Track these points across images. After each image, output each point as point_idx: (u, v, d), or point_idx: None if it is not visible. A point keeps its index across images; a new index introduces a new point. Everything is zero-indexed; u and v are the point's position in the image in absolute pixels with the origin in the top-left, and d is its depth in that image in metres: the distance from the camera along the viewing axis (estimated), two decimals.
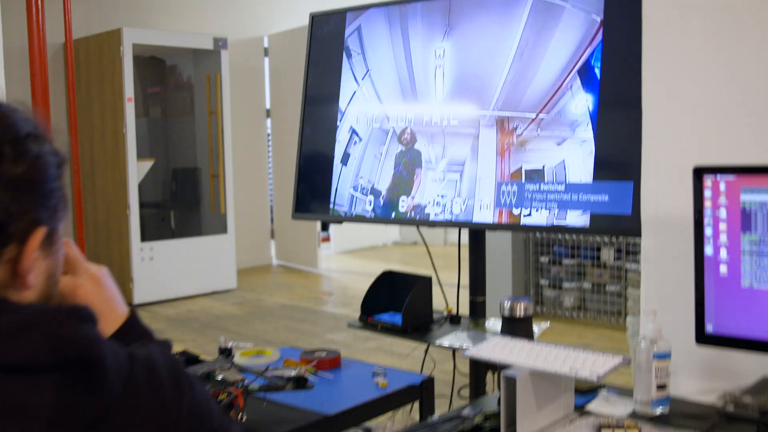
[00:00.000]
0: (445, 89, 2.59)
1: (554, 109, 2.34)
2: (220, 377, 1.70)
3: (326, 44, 2.89)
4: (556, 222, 2.31)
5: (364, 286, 2.77)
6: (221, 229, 7.54)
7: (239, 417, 1.59)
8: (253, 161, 8.88)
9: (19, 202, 0.86)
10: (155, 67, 8.20)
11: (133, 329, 1.10)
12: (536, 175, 2.36)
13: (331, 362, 2.10)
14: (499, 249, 6.02)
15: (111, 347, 0.87)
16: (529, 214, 2.36)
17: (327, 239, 9.91)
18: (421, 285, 2.58)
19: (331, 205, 2.81)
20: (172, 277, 7.10)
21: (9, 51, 6.01)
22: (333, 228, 9.71)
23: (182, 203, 7.96)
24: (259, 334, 5.80)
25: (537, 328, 2.49)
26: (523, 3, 2.42)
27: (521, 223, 2.38)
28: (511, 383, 1.62)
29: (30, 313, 0.84)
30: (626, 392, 1.85)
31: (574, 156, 2.29)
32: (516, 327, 1.97)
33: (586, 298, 5.77)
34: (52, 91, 6.90)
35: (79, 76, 7.27)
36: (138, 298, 6.84)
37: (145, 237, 7.10)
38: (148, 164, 7.48)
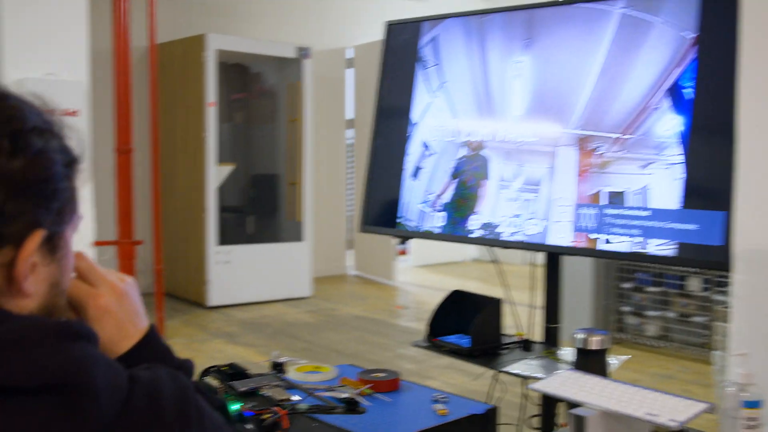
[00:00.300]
0: (523, 104, 2.47)
1: (640, 130, 2.20)
2: (266, 394, 1.63)
3: (401, 54, 2.81)
4: (637, 249, 2.16)
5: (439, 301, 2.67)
6: (297, 236, 7.53)
7: None
8: (331, 170, 8.87)
9: (15, 201, 0.78)
10: (240, 73, 8.27)
11: (150, 346, 1.01)
12: (617, 199, 2.22)
13: (389, 384, 2.01)
14: (580, 273, 5.84)
15: (106, 368, 0.79)
16: (608, 241, 2.23)
17: (404, 252, 9.83)
18: (491, 307, 2.46)
19: (400, 220, 2.71)
20: (248, 281, 7.12)
21: (95, 53, 6.13)
22: (412, 241, 9.62)
23: (260, 209, 7.99)
24: (330, 344, 5.74)
25: (616, 359, 2.35)
26: (609, 17, 2.29)
27: (598, 248, 2.25)
28: (580, 423, 1.50)
29: (14, 328, 0.76)
30: None
31: (659, 180, 2.15)
32: (589, 361, 1.84)
33: (671, 327, 5.53)
34: (136, 93, 7.01)
35: (164, 79, 7.38)
36: (213, 300, 6.88)
37: (222, 241, 7.14)
38: (227, 169, 7.53)
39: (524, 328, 2.58)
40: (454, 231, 2.58)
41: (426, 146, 2.68)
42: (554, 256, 2.52)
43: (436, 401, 1.92)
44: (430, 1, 9.29)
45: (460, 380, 4.68)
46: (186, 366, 1.03)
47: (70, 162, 0.87)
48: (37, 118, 0.84)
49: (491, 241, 2.51)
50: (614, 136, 2.25)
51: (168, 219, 7.37)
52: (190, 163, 7.13)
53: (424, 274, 9.01)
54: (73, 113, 5.56)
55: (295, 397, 1.65)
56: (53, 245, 0.85)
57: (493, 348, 2.45)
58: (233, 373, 1.75)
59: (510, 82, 2.50)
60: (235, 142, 8.15)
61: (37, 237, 0.81)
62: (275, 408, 1.55)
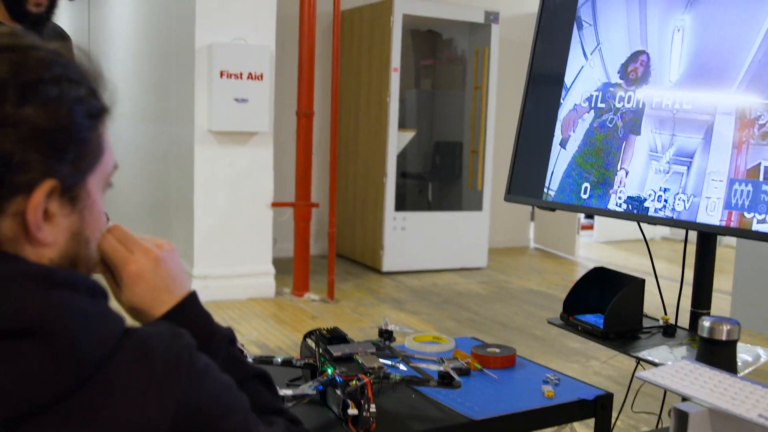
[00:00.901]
0: (681, 69, 2.26)
1: None
2: (360, 361, 1.58)
3: (558, 15, 2.65)
4: None
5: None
6: (477, 205, 7.45)
7: (367, 406, 1.45)
8: None
9: (24, 150, 0.78)
10: (431, 40, 8.24)
11: (184, 313, 1.00)
12: None
13: (503, 360, 1.91)
14: None
15: (90, 318, 0.78)
16: (764, 220, 2.00)
17: (590, 227, 9.51)
18: (632, 287, 2.29)
19: (546, 190, 2.58)
20: (423, 248, 7.13)
21: (281, 19, 6.29)
22: (598, 217, 9.27)
23: (441, 176, 7.96)
24: (496, 316, 5.65)
25: (765, 353, 2.13)
26: None
27: (753, 229, 2.02)
28: (683, 419, 1.35)
29: (3, 273, 0.77)
30: None
31: None
32: (714, 352, 1.66)
33: None
34: (321, 58, 7.16)
35: (351, 44, 7.48)
36: (387, 266, 6.95)
37: (400, 207, 7.19)
38: (409, 135, 7.55)
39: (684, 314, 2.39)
40: (600, 204, 2.42)
41: (577, 112, 2.53)
42: (708, 236, 2.30)
43: (547, 382, 1.81)
44: None
45: (627, 363, 4.45)
46: (220, 334, 1.02)
47: (96, 112, 0.86)
48: (63, 68, 0.83)
49: (637, 216, 2.33)
50: None
51: (348, 183, 7.51)
52: (372, 128, 7.20)
53: (607, 251, 8.67)
54: (258, 77, 5.76)
55: (391, 367, 1.60)
56: (73, 195, 0.85)
57: (632, 330, 2.28)
58: (332, 337, 1.72)
59: (669, 44, 2.29)
60: (420, 109, 8.15)
61: (46, 186, 0.81)
62: (361, 375, 1.50)
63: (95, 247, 0.94)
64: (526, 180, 2.68)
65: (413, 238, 7.09)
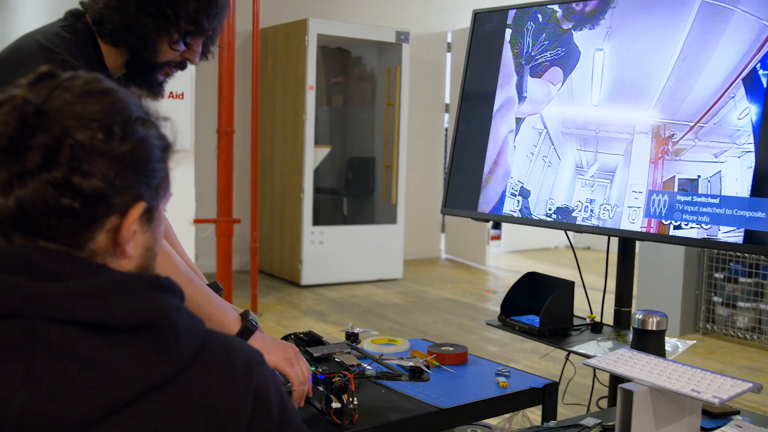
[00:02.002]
0: (602, 93, 2.52)
1: (714, 119, 2.23)
2: (338, 360, 1.75)
3: (486, 41, 2.88)
4: (707, 236, 2.20)
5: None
6: (391, 219, 7.68)
7: (350, 399, 1.62)
8: (427, 154, 8.97)
9: (123, 177, 0.93)
10: (341, 57, 8.45)
11: None
12: (690, 186, 2.25)
13: (457, 357, 2.11)
14: (671, 262, 5.80)
15: (187, 317, 0.94)
16: (679, 226, 2.26)
17: (498, 237, 9.87)
18: (563, 289, 2.53)
19: (480, 203, 2.80)
20: (340, 261, 7.31)
21: None
22: (505, 227, 9.65)
23: (356, 191, 8.16)
24: (417, 325, 5.87)
25: (683, 343, 2.39)
26: (690, 5, 2.31)
27: (670, 234, 2.28)
28: (628, 397, 1.57)
29: (115, 278, 0.92)
30: (763, 420, 1.74)
31: (732, 168, 2.17)
32: (646, 340, 1.90)
33: (763, 320, 5.44)
34: (239, 76, 7.27)
35: (266, 63, 7.61)
36: (306, 279, 7.09)
37: (317, 221, 7.35)
38: (324, 151, 7.72)
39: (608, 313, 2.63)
40: (530, 215, 2.66)
41: (509, 131, 2.76)
42: (628, 241, 2.56)
43: (499, 374, 2.01)
44: None
45: (543, 365, 4.73)
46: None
47: (166, 147, 1.02)
48: (139, 109, 0.98)
49: (565, 224, 2.57)
50: (689, 123, 2.28)
51: (266, 199, 7.62)
52: (288, 145, 7.34)
53: (515, 260, 9.03)
54: (179, 96, 5.83)
55: (365, 365, 1.77)
56: (150, 216, 1.01)
57: (564, 329, 2.51)
58: (309, 340, 1.88)
59: (590, 70, 2.55)
60: (333, 125, 8.34)
61: (139, 208, 0.96)
62: (344, 372, 1.66)
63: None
64: (460, 194, 2.89)
65: (331, 252, 7.27)
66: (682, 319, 5.75)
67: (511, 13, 2.81)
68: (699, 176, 2.25)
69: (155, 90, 1.82)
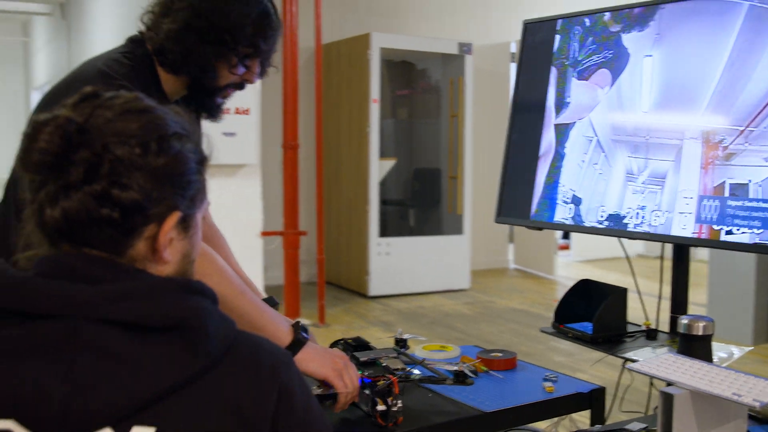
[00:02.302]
0: (652, 99, 2.52)
1: (765, 122, 2.21)
2: (384, 364, 1.80)
3: (537, 51, 2.90)
4: (759, 241, 2.18)
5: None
6: (457, 229, 7.70)
7: (394, 402, 1.67)
8: (493, 165, 8.94)
9: (159, 189, 1.00)
10: (406, 70, 8.52)
11: None
12: (740, 191, 2.24)
13: (506, 363, 2.14)
14: (743, 269, 5.69)
15: (218, 319, 1.01)
16: (731, 232, 2.25)
17: (566, 247, 9.79)
18: (616, 296, 2.53)
19: (533, 211, 2.82)
20: (407, 272, 7.36)
21: None
22: (574, 236, 9.56)
23: (422, 202, 8.21)
24: (483, 335, 5.87)
25: (738, 350, 2.37)
26: (738, 9, 2.30)
27: (721, 239, 2.27)
28: (668, 400, 1.58)
29: (149, 282, 0.99)
30: None
31: None
32: (693, 346, 1.90)
33: None
34: (303, 91, 7.41)
35: (330, 77, 7.74)
36: (373, 290, 7.16)
37: (383, 233, 7.42)
38: (389, 163, 7.80)
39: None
40: (581, 222, 2.66)
41: (560, 140, 2.78)
42: (681, 247, 2.55)
43: (546, 380, 2.03)
44: None
45: (610, 374, 4.69)
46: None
47: (201, 160, 1.09)
48: (177, 125, 1.06)
49: (616, 231, 2.57)
50: (739, 128, 2.27)
51: (332, 211, 7.73)
52: (354, 157, 7.44)
53: (585, 269, 8.94)
54: (245, 111, 5.98)
55: (410, 369, 1.81)
56: (187, 225, 1.08)
57: (617, 335, 2.51)
58: (357, 345, 1.93)
59: (639, 76, 2.55)
60: (399, 137, 8.42)
61: (174, 217, 1.04)
62: (389, 375, 1.71)
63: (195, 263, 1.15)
64: (513, 202, 2.92)
65: (398, 263, 7.32)
66: (756, 327, 5.63)
67: (560, 21, 2.83)
68: (750, 181, 2.24)
69: (214, 113, 1.90)
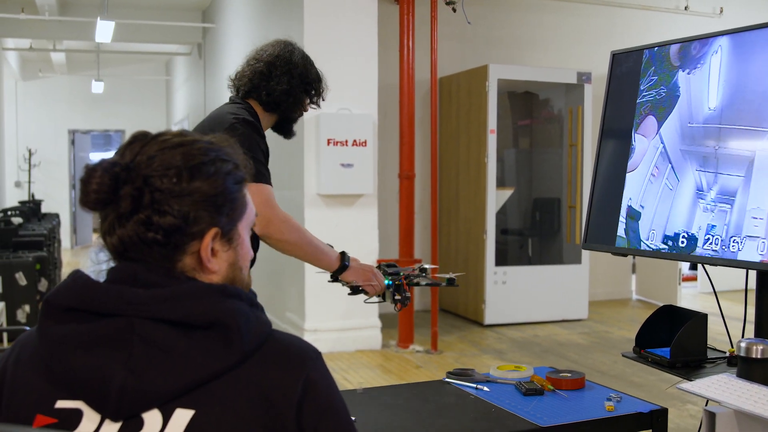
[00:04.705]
0: (719, 99, 2.52)
1: None
2: (401, 274, 2.68)
3: (623, 81, 2.96)
4: None
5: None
6: (576, 259, 7.67)
7: (403, 294, 2.63)
8: None
9: (197, 210, 1.17)
10: (527, 100, 8.59)
11: None
12: None
13: (574, 383, 2.20)
14: None
15: (252, 319, 1.16)
16: None
17: (694, 278, 9.54)
18: (696, 321, 2.54)
19: (620, 237, 2.86)
20: (524, 301, 7.37)
21: (383, 87, 6.76)
22: (701, 267, 9.29)
23: (541, 232, 8.22)
24: (595, 365, 5.84)
25: None
26: None
27: None
28: (711, 419, 1.62)
29: (191, 287, 1.16)
30: None
31: None
32: (751, 368, 1.92)
33: None
34: (422, 122, 7.60)
35: (450, 109, 7.90)
36: (489, 319, 7.22)
37: (501, 261, 7.47)
38: (507, 193, 7.86)
39: None
40: (662, 247, 2.69)
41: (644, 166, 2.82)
42: (764, 273, 2.54)
43: (609, 399, 2.09)
44: (725, 18, 9.03)
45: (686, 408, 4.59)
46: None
47: (240, 180, 1.25)
48: (216, 152, 1.22)
49: (706, 258, 2.58)
50: None
51: (450, 241, 7.85)
52: (471, 187, 7.54)
53: (710, 301, 8.67)
54: (363, 143, 6.22)
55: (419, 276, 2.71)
56: (229, 237, 1.23)
57: (698, 361, 2.52)
58: (388, 265, 2.75)
59: (707, 75, 2.56)
60: (520, 167, 8.47)
61: (211, 233, 1.19)
62: (401, 278, 2.62)
63: (246, 272, 1.29)
64: (600, 229, 2.97)
65: (514, 292, 7.35)
66: None
67: (647, 53, 2.88)
68: None
69: (291, 135, 2.90)
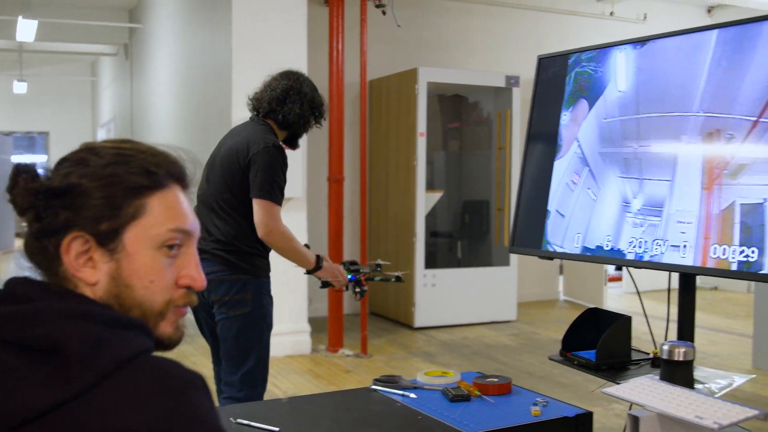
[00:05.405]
0: (632, 87, 2.54)
1: None
2: (361, 270, 3.42)
3: (550, 84, 2.98)
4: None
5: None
6: (504, 261, 7.73)
7: (361, 288, 3.38)
8: None
9: (48, 208, 1.07)
10: (457, 103, 8.63)
11: None
12: (755, 213, 2.18)
13: (500, 388, 2.19)
14: None
15: (102, 344, 0.99)
16: (746, 258, 2.22)
17: (619, 278, 9.71)
18: (620, 324, 2.56)
19: (545, 241, 2.87)
20: (453, 304, 7.40)
21: None
22: (626, 269, 9.46)
23: (470, 234, 8.26)
24: (524, 366, 5.89)
25: (739, 378, 2.38)
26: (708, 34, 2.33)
27: (731, 269, 2.25)
28: (634, 422, 1.63)
29: (40, 306, 1.02)
30: None
31: None
32: (673, 371, 1.94)
33: None
34: (352, 125, 7.57)
35: (380, 112, 7.88)
36: (418, 322, 7.22)
37: (430, 264, 7.48)
38: (436, 195, 7.88)
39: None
40: (587, 251, 2.71)
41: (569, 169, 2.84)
42: (688, 276, 2.56)
43: (536, 404, 2.09)
44: (649, 24, 9.22)
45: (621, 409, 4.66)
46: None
47: (134, 186, 1.10)
48: (103, 159, 1.10)
49: (624, 261, 2.60)
50: (751, 119, 2.19)
51: (379, 243, 7.83)
52: (401, 190, 7.54)
53: (635, 301, 8.84)
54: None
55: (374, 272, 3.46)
56: (111, 248, 1.09)
57: (622, 363, 2.54)
58: (351, 262, 3.46)
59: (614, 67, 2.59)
60: (448, 169, 8.50)
61: (70, 237, 1.07)
62: (359, 275, 3.39)
63: (148, 293, 1.11)
64: (527, 232, 2.98)
65: (444, 294, 7.37)
66: None
67: (573, 57, 2.90)
68: (765, 199, 2.16)
69: (297, 147, 3.47)
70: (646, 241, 2.52)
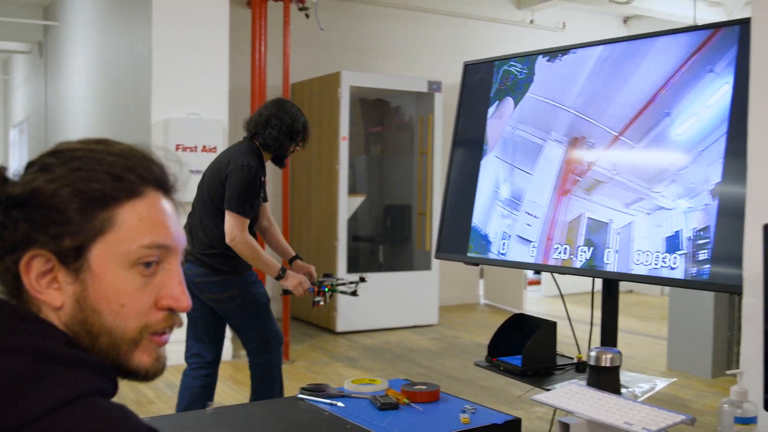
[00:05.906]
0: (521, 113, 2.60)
1: (648, 135, 2.27)
2: (319, 281, 3.81)
3: (475, 90, 3.00)
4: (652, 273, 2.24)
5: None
6: (426, 265, 7.75)
7: (319, 298, 3.75)
8: None
9: (8, 220, 0.95)
10: (379, 108, 8.63)
11: None
12: (599, 231, 2.28)
13: (429, 395, 2.19)
14: (702, 303, 5.76)
15: (30, 387, 0.86)
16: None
17: (537, 282, 9.87)
18: (545, 329, 2.59)
19: (470, 246, 2.89)
20: (375, 308, 7.39)
21: (234, 92, 6.62)
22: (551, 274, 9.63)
23: (392, 238, 8.27)
24: (446, 370, 5.91)
25: (664, 381, 2.43)
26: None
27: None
28: (565, 429, 1.63)
29: None
30: None
31: (642, 222, 2.21)
32: (600, 377, 1.96)
33: None
34: None
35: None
36: (341, 326, 7.19)
37: (353, 268, 7.46)
38: (359, 200, 7.87)
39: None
40: (500, 255, 2.74)
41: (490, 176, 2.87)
42: (610, 282, 2.61)
43: (464, 411, 2.08)
44: (568, 32, 9.39)
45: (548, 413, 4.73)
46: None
47: (97, 197, 0.96)
48: (68, 164, 0.97)
49: (536, 265, 2.64)
50: (613, 132, 2.33)
51: (302, 247, 7.77)
52: (324, 194, 7.50)
53: (555, 304, 9.01)
54: (212, 149, 6.05)
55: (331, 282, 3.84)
56: (76, 267, 0.96)
57: (548, 368, 2.57)
58: (326, 274, 3.89)
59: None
60: (371, 174, 8.49)
61: (29, 255, 0.95)
62: (315, 286, 3.77)
63: (118, 319, 0.98)
64: (453, 238, 2.99)
65: (366, 299, 7.31)
66: (714, 362, 5.69)
67: (497, 64, 2.92)
68: (611, 221, 2.29)
69: (283, 166, 3.96)
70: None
